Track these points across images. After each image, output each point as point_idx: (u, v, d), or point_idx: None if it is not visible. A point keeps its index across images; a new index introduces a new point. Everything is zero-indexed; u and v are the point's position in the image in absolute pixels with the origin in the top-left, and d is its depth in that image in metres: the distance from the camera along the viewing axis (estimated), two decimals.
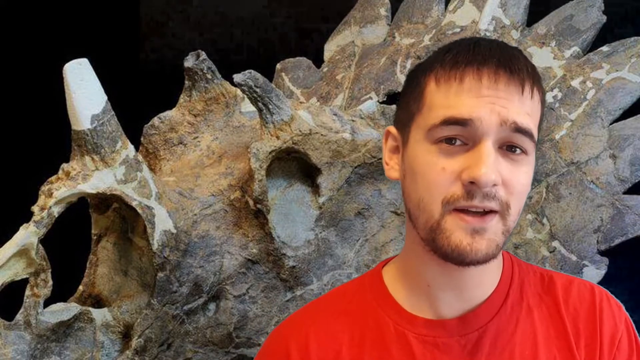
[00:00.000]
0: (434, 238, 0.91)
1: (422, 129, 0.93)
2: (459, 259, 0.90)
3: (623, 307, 1.02)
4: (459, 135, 0.90)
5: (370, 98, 1.78)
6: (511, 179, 0.90)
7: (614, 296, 1.03)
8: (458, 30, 1.77)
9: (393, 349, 0.97)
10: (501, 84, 0.89)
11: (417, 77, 0.97)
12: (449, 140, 0.90)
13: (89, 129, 1.24)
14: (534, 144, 0.92)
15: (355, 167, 1.46)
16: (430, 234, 0.92)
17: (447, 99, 0.91)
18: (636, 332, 1.01)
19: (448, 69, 0.92)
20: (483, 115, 0.88)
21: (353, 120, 1.49)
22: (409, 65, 1.79)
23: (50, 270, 1.26)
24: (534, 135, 0.91)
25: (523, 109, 0.90)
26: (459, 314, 0.98)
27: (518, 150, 0.91)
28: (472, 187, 0.88)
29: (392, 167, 1.01)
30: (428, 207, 0.91)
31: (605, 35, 1.73)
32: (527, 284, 1.01)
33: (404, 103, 0.99)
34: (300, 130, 1.39)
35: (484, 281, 0.99)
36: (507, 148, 0.90)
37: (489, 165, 0.87)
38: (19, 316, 1.24)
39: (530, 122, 0.91)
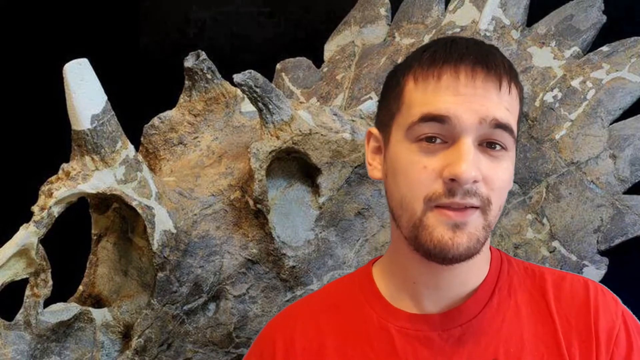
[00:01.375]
0: (416, 235, 0.92)
1: (402, 128, 0.94)
2: (442, 255, 0.91)
3: (620, 301, 1.01)
4: (438, 133, 0.90)
5: (370, 98, 1.78)
6: (491, 175, 0.91)
7: (610, 290, 1.02)
8: (458, 30, 1.77)
9: (374, 341, 0.98)
10: (479, 80, 0.90)
11: (396, 77, 0.98)
12: (429, 139, 0.91)
13: (89, 129, 1.24)
14: (513, 139, 0.93)
15: (355, 167, 1.46)
16: (413, 231, 0.93)
17: (425, 96, 0.92)
18: (636, 324, 1.00)
19: (426, 67, 0.93)
20: (461, 113, 0.89)
21: (353, 120, 1.49)
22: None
23: (50, 270, 1.26)
24: (513, 130, 0.92)
25: (502, 104, 0.91)
26: (443, 310, 0.98)
27: (498, 147, 0.91)
28: (453, 184, 0.89)
29: (374, 167, 1.02)
30: (410, 205, 0.92)
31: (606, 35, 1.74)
32: (516, 281, 1.01)
33: (384, 103, 1.00)
34: (300, 130, 1.39)
35: (470, 279, 0.99)
36: (487, 145, 0.91)
37: (469, 162, 0.88)
38: (19, 316, 1.24)
39: (509, 116, 0.91)
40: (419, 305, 0.99)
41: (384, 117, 0.99)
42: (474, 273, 0.99)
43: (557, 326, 0.97)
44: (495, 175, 0.91)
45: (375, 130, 1.02)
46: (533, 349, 0.96)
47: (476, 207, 0.90)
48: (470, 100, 0.90)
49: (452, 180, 0.88)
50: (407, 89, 0.94)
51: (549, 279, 1.01)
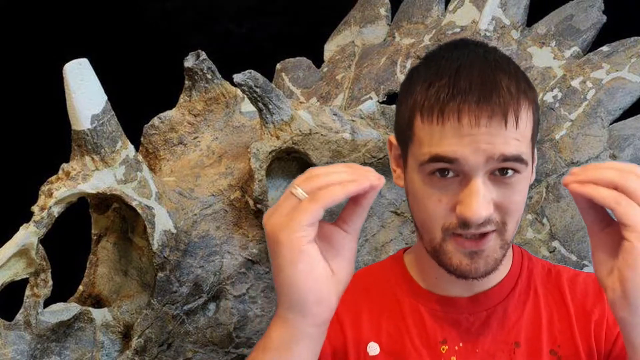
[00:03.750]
0: (437, 256, 0.99)
1: (416, 161, 0.96)
2: (462, 277, 0.98)
3: None
4: (448, 167, 0.92)
5: (370, 98, 1.78)
6: (505, 202, 0.94)
7: None
8: (458, 30, 1.77)
9: (407, 318, 1.05)
10: (483, 119, 0.90)
11: (407, 101, 0.98)
12: (442, 172, 0.93)
13: (89, 129, 1.24)
14: (525, 165, 0.94)
15: None
16: (434, 252, 0.99)
17: (431, 137, 0.93)
18: None
19: (429, 107, 0.93)
20: (467, 155, 0.90)
21: (353, 120, 1.49)
22: (409, 65, 1.79)
23: (50, 270, 1.26)
24: (524, 159, 0.93)
25: (510, 136, 0.91)
26: (470, 294, 1.05)
27: (510, 172, 0.93)
28: (466, 221, 0.92)
29: (399, 175, 1.05)
30: (430, 231, 0.97)
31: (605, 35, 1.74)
32: (535, 274, 1.08)
33: (400, 116, 1.01)
34: (300, 130, 1.39)
35: (493, 275, 1.03)
36: (500, 172, 0.93)
37: (479, 203, 0.90)
38: (19, 316, 1.24)
39: (519, 146, 0.92)
40: (447, 292, 1.05)
41: (401, 134, 1.01)
42: (496, 271, 1.03)
43: (572, 314, 1.04)
44: (508, 200, 0.94)
45: (394, 141, 1.04)
46: (549, 334, 1.03)
47: (492, 231, 0.95)
48: (476, 140, 0.90)
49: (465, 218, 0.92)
50: (416, 123, 0.95)
51: (564, 275, 1.08)
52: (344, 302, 1.07)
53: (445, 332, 1.03)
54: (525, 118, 0.94)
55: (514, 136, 0.91)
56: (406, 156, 1.00)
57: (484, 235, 0.94)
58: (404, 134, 0.99)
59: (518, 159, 0.92)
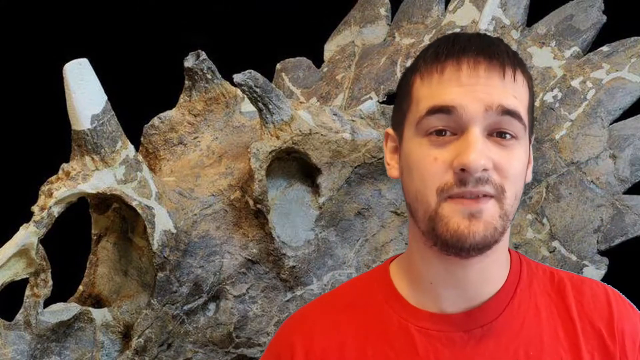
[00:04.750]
0: (433, 227, 0.92)
1: (413, 124, 0.95)
2: (459, 244, 0.90)
3: (634, 306, 1.02)
4: (446, 126, 0.91)
5: (370, 98, 1.78)
6: (503, 163, 0.91)
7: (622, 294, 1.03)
8: (458, 30, 1.77)
9: (395, 341, 0.97)
10: (481, 70, 0.91)
11: (406, 77, 1.00)
12: (439, 132, 0.92)
13: (89, 129, 1.25)
14: (524, 126, 0.92)
15: (355, 167, 1.46)
16: (429, 223, 0.92)
17: (430, 90, 0.93)
18: None
19: (430, 62, 0.94)
20: (466, 103, 0.90)
21: (353, 120, 1.49)
22: (409, 65, 1.79)
23: (50, 270, 1.27)
24: (522, 117, 0.92)
25: (508, 91, 0.91)
26: (463, 311, 0.97)
27: (508, 136, 0.91)
28: (463, 174, 0.89)
29: (392, 166, 1.03)
30: (425, 197, 0.92)
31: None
32: (536, 283, 1.01)
33: (397, 104, 1.02)
34: (300, 130, 1.39)
35: (489, 278, 0.98)
36: (497, 135, 0.91)
37: (477, 151, 0.88)
38: (19, 316, 1.24)
39: (517, 103, 0.92)
40: (439, 306, 0.98)
41: (398, 117, 1.00)
42: (491, 273, 0.98)
43: (578, 330, 0.97)
44: (507, 163, 0.91)
45: (391, 131, 1.03)
46: (552, 351, 0.95)
47: (490, 196, 0.90)
48: (474, 90, 0.90)
49: (463, 170, 0.88)
50: (414, 87, 0.96)
51: (567, 282, 1.01)
52: (326, 329, 1.00)
53: (439, 353, 0.95)
54: (522, 83, 0.94)
55: (511, 92, 0.91)
56: (402, 133, 0.98)
57: (482, 196, 0.90)
58: (402, 110, 0.98)
59: (516, 116, 0.91)
